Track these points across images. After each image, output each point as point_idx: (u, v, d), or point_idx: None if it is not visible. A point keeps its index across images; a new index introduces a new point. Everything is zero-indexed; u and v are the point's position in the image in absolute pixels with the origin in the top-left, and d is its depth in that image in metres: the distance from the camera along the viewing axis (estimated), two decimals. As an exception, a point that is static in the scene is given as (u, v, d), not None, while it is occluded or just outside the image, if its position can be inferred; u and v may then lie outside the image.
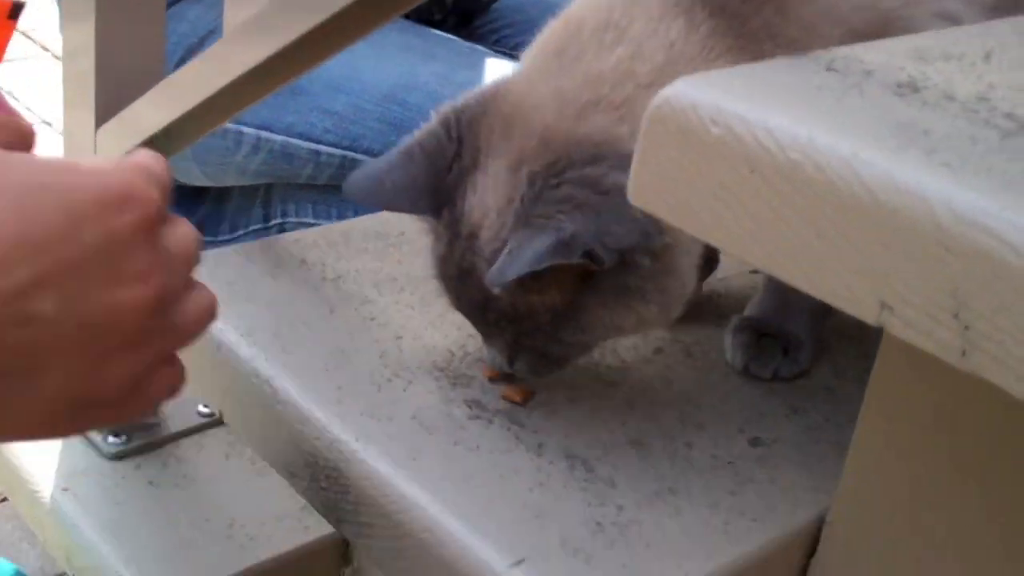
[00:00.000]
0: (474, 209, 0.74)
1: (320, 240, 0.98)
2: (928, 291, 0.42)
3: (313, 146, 1.52)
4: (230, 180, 1.69)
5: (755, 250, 0.47)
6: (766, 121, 0.46)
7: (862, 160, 0.43)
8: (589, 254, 0.67)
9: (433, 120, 0.77)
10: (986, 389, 0.53)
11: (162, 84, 1.04)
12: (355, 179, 0.78)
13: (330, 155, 1.51)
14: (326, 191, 1.60)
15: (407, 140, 0.78)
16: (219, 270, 0.91)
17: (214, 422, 1.28)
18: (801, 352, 0.87)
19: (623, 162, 0.69)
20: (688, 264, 0.74)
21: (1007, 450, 0.61)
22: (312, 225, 1.62)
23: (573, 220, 0.67)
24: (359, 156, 1.49)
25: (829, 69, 0.53)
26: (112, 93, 1.06)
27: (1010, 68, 0.56)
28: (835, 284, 0.45)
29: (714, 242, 0.49)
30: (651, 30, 0.72)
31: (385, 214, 1.06)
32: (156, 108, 1.02)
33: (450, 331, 0.87)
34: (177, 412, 1.28)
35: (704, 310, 0.96)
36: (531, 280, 0.69)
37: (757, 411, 0.83)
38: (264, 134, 1.55)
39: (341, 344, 0.83)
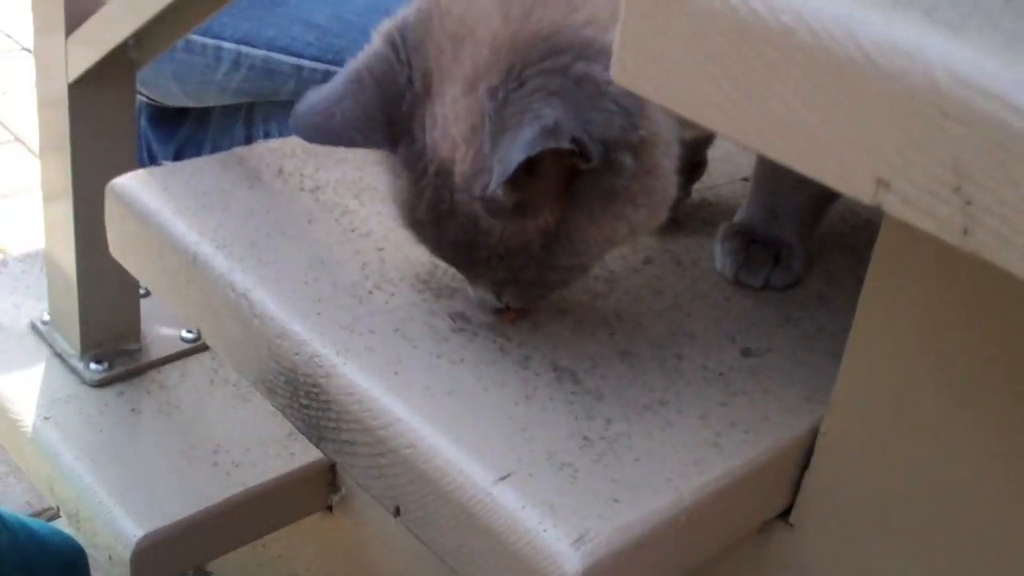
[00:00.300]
0: (438, 144, 0.69)
1: (298, 149, 0.95)
2: (927, 164, 0.39)
3: (295, 60, 1.48)
4: (211, 99, 1.65)
5: (744, 126, 0.44)
6: (755, -16, 0.43)
7: (858, 20, 0.40)
8: (577, 143, 0.63)
9: (376, 41, 0.72)
10: (983, 288, 0.50)
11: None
12: (302, 114, 0.73)
13: (313, 70, 1.47)
14: (311, 109, 1.56)
15: (352, 65, 0.72)
16: (193, 180, 0.88)
17: (198, 347, 1.25)
18: (793, 260, 0.84)
19: (584, 51, 0.65)
20: (668, 164, 0.70)
21: (1004, 354, 0.58)
22: (298, 146, 1.59)
23: (551, 106, 0.64)
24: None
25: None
26: (80, 1, 1.02)
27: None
28: (828, 160, 0.42)
29: (702, 120, 0.46)
30: None
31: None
32: (125, 13, 0.98)
33: (433, 241, 0.84)
34: (160, 338, 1.26)
35: (693, 218, 0.93)
36: (523, 200, 0.66)
37: (749, 321, 0.80)
38: (244, 49, 1.51)
39: (321, 255, 0.80)
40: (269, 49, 1.49)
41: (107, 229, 0.90)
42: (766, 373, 0.74)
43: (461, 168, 0.68)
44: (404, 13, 0.72)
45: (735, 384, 0.73)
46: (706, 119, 0.46)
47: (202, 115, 1.73)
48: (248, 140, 1.67)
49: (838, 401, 0.67)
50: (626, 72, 0.48)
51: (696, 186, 0.94)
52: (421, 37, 0.70)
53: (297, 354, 0.72)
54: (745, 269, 0.83)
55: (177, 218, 0.83)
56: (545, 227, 0.69)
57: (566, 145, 0.62)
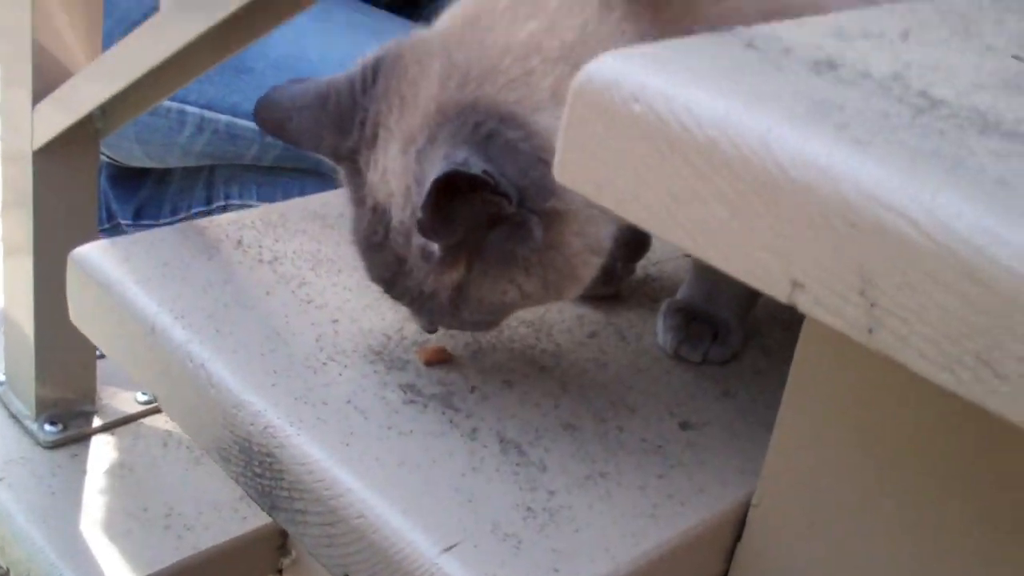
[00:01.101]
0: (377, 187, 0.75)
1: (257, 221, 0.97)
2: (835, 268, 0.42)
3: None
4: (173, 161, 1.67)
5: (675, 229, 0.48)
6: (685, 98, 0.46)
7: (775, 136, 0.44)
8: (489, 175, 0.65)
9: (356, 68, 0.77)
10: (899, 368, 0.53)
11: (99, 59, 1.04)
12: (264, 106, 0.79)
13: (275, 136, 1.50)
14: (272, 172, 1.59)
15: (327, 80, 0.78)
16: (154, 250, 0.90)
17: (152, 410, 1.27)
18: (731, 335, 0.88)
19: (502, 119, 0.69)
20: (580, 246, 0.73)
21: (922, 429, 0.61)
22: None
23: (460, 149, 0.67)
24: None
25: (749, 46, 0.53)
26: (49, 69, 1.05)
27: (926, 46, 0.57)
28: (749, 262, 0.45)
29: (637, 221, 0.49)
30: (567, 8, 0.72)
31: (325, 195, 1.05)
32: (93, 84, 1.01)
33: (386, 314, 0.87)
34: (115, 400, 1.28)
35: (637, 293, 0.96)
36: (441, 250, 0.71)
37: (688, 394, 0.83)
38: (208, 114, 1.54)
39: (277, 327, 0.83)
40: (233, 115, 1.52)
41: (68, 297, 0.92)
42: (703, 445, 0.77)
43: (399, 216, 0.73)
44: (385, 49, 0.77)
45: (673, 456, 0.76)
46: (640, 220, 0.49)
47: (163, 176, 1.75)
48: (208, 202, 1.70)
49: (768, 475, 0.71)
50: (568, 172, 0.51)
51: (640, 262, 0.98)
52: (382, 88, 0.75)
53: (252, 424, 0.75)
54: (686, 344, 0.86)
55: (138, 288, 0.85)
56: (457, 280, 0.73)
57: (476, 172, 0.65)
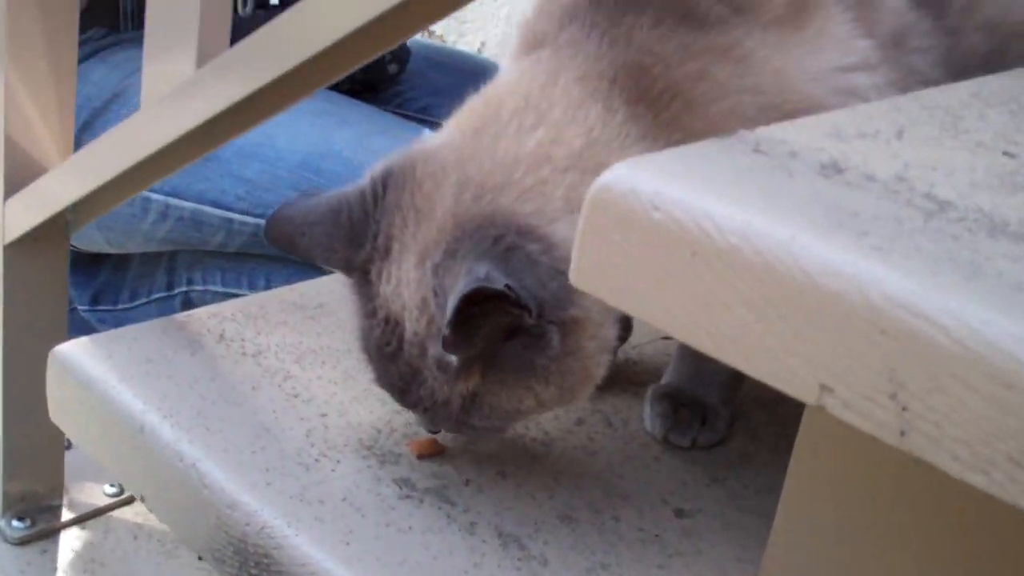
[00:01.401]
0: (390, 299, 0.75)
1: (238, 313, 0.97)
2: (865, 373, 0.43)
3: (225, 213, 1.50)
4: (134, 247, 1.66)
5: (698, 334, 0.48)
6: (705, 206, 0.47)
7: (799, 243, 0.45)
8: (511, 290, 0.66)
9: (367, 181, 0.78)
10: (908, 465, 0.54)
11: (73, 158, 1.03)
12: (276, 221, 0.79)
13: (243, 223, 1.50)
14: (237, 259, 1.58)
15: (340, 193, 0.78)
16: (136, 347, 0.90)
17: (121, 502, 1.25)
18: (718, 420, 0.89)
19: (520, 233, 0.70)
20: (593, 347, 0.74)
21: (928, 522, 0.62)
22: (221, 293, 1.61)
23: (482, 264, 0.68)
24: (272, 224, 1.48)
25: (756, 151, 0.54)
26: (21, 164, 1.05)
27: (921, 145, 0.59)
28: (775, 366, 0.46)
29: (659, 325, 0.50)
30: (570, 116, 0.73)
31: (302, 285, 1.05)
32: (67, 183, 1.00)
33: (375, 406, 0.87)
34: (83, 493, 1.26)
35: (621, 378, 0.97)
36: (459, 361, 0.71)
37: (679, 480, 0.84)
38: (173, 201, 1.53)
39: (266, 422, 0.82)
40: (198, 202, 1.51)
41: (48, 395, 0.91)
42: (699, 534, 0.78)
43: (414, 327, 0.73)
44: (394, 160, 0.78)
45: (671, 546, 0.76)
46: (660, 323, 0.50)
47: (121, 261, 1.73)
48: (170, 287, 1.68)
49: (768, 567, 0.71)
50: (585, 278, 0.52)
51: (622, 346, 0.99)
52: (393, 201, 0.76)
53: (247, 524, 0.74)
54: (674, 430, 0.87)
55: (122, 386, 0.84)
56: (472, 389, 0.73)
57: (499, 287, 0.66)
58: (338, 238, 0.77)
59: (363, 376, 0.90)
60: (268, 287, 1.56)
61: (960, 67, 0.77)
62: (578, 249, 0.52)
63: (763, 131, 0.57)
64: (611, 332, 0.75)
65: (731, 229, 0.46)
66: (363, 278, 0.77)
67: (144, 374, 0.86)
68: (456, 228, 0.72)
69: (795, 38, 0.74)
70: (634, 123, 0.73)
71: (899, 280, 0.42)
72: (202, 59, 0.84)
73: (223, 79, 0.83)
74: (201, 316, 0.96)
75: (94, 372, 0.86)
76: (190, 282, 1.66)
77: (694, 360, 0.90)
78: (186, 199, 1.52)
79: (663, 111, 0.73)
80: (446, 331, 0.67)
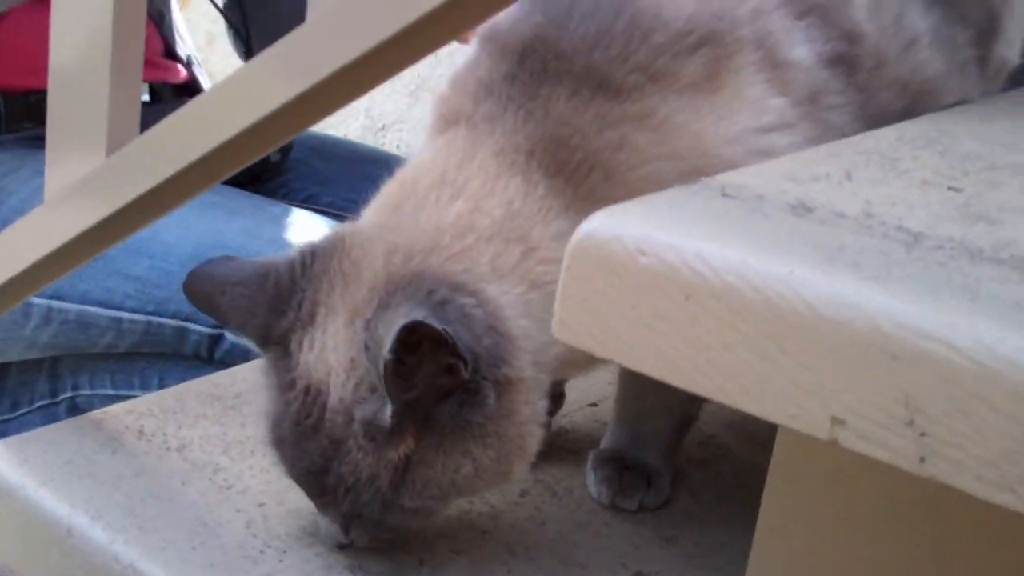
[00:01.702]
0: (312, 366, 0.72)
1: (154, 408, 0.93)
2: (880, 401, 0.43)
3: (114, 313, 1.44)
4: (14, 355, 1.59)
5: (695, 377, 0.48)
6: (696, 247, 0.47)
7: (798, 278, 0.45)
8: (450, 339, 0.65)
9: (295, 252, 0.76)
10: (876, 501, 0.54)
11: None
12: (198, 277, 0.77)
13: (132, 321, 1.44)
14: (126, 359, 1.52)
15: (264, 261, 0.76)
16: (52, 449, 0.85)
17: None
18: (662, 481, 0.88)
19: (453, 287, 0.69)
20: (528, 415, 0.72)
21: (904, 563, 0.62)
22: (112, 396, 1.54)
23: (419, 310, 0.66)
24: (166, 320, 1.43)
25: (724, 195, 0.54)
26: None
27: (873, 184, 0.60)
28: (782, 403, 0.46)
29: (650, 372, 0.49)
30: (489, 188, 0.73)
31: (216, 376, 1.02)
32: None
33: (312, 492, 0.83)
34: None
35: (556, 447, 0.95)
36: (392, 418, 0.68)
37: (632, 544, 0.83)
38: (56, 304, 1.46)
39: (202, 516, 0.79)
40: (83, 303, 1.45)
41: (-43, 507, 0.85)
42: (662, 596, 0.77)
43: (340, 393, 0.71)
44: (321, 237, 0.77)
45: (636, 610, 0.75)
46: (652, 370, 0.49)
47: (-2, 370, 1.66)
48: (54, 394, 1.61)
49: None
50: (568, 329, 0.51)
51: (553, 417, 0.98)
52: (320, 270, 0.74)
53: (198, 625, 0.70)
54: (621, 494, 0.86)
55: (44, 490, 0.80)
56: (401, 460, 0.70)
57: (438, 328, 0.64)
58: (261, 303, 0.74)
59: (296, 463, 0.87)
60: (162, 386, 1.50)
61: (875, 122, 0.79)
62: (561, 300, 0.51)
63: (724, 177, 0.57)
64: (542, 402, 0.74)
65: (726, 269, 0.46)
66: (281, 351, 0.74)
67: (66, 476, 0.81)
68: (389, 284, 0.70)
69: (710, 102, 0.75)
70: (555, 196, 0.73)
71: (906, 305, 0.43)
72: (112, 147, 0.81)
73: (135, 167, 0.80)
74: (117, 413, 0.92)
75: (11, 477, 0.81)
76: (75, 387, 1.59)
77: (634, 424, 0.90)
78: (70, 301, 1.46)
79: (582, 182, 0.73)
80: (387, 361, 0.64)
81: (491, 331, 0.68)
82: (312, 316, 0.73)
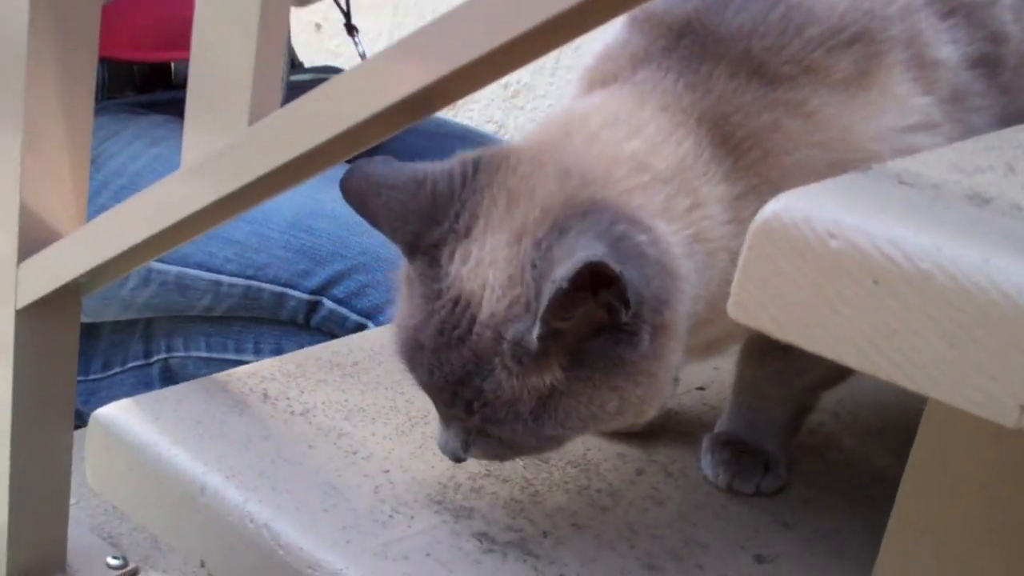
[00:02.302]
0: (466, 278, 0.71)
1: (276, 372, 0.95)
2: (1074, 391, 0.43)
3: (213, 276, 1.46)
4: (110, 315, 1.62)
5: (879, 362, 0.48)
6: (888, 232, 0.47)
7: (994, 266, 0.45)
8: (624, 283, 0.64)
9: (453, 162, 0.75)
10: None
11: (87, 227, 1.00)
12: (358, 173, 0.76)
13: (232, 285, 1.46)
14: (222, 323, 1.54)
15: (424, 166, 0.75)
16: (182, 408, 0.87)
17: (127, 573, 1.20)
18: (779, 467, 0.89)
19: (631, 222, 0.69)
20: (673, 360, 0.72)
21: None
22: (205, 359, 1.57)
23: (599, 244, 0.66)
24: (264, 285, 1.45)
25: (901, 183, 0.54)
26: (35, 230, 1.01)
27: (1037, 180, 0.60)
28: (970, 390, 0.46)
29: (832, 355, 0.49)
30: (663, 136, 0.74)
31: (333, 344, 1.03)
32: (80, 250, 0.97)
33: (434, 462, 0.85)
34: (84, 565, 1.21)
35: (666, 428, 0.96)
36: (548, 349, 0.68)
37: (751, 527, 0.83)
38: (156, 265, 1.49)
39: (331, 480, 0.80)
40: (184, 265, 1.47)
41: (88, 460, 0.87)
42: (783, 579, 0.77)
43: (492, 308, 0.69)
44: (482, 150, 0.76)
45: (759, 591, 0.75)
46: (834, 353, 0.49)
47: (91, 329, 1.68)
48: (147, 356, 1.64)
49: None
50: (747, 310, 0.52)
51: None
52: (484, 183, 0.73)
53: (333, 584, 0.71)
54: (739, 478, 0.86)
55: (177, 448, 0.81)
56: (547, 388, 0.70)
57: (616, 270, 0.63)
58: (415, 210, 0.73)
59: (417, 432, 0.88)
60: (256, 351, 1.52)
61: (1015, 124, 0.79)
62: (740, 280, 0.52)
63: (897, 165, 0.57)
64: (680, 353, 0.74)
65: (919, 255, 0.46)
66: (429, 260, 0.73)
67: (197, 435, 0.83)
68: (566, 208, 0.70)
69: (860, 98, 0.76)
70: (718, 163, 0.73)
71: (1107, 296, 0.43)
72: (254, 117, 0.83)
73: (276, 139, 0.81)
74: (240, 375, 0.93)
75: (144, 435, 0.83)
76: (169, 349, 1.62)
77: (752, 409, 0.90)
78: (170, 263, 1.48)
79: (742, 157, 0.74)
80: (558, 288, 0.63)
81: (662, 272, 0.68)
82: (469, 229, 0.72)
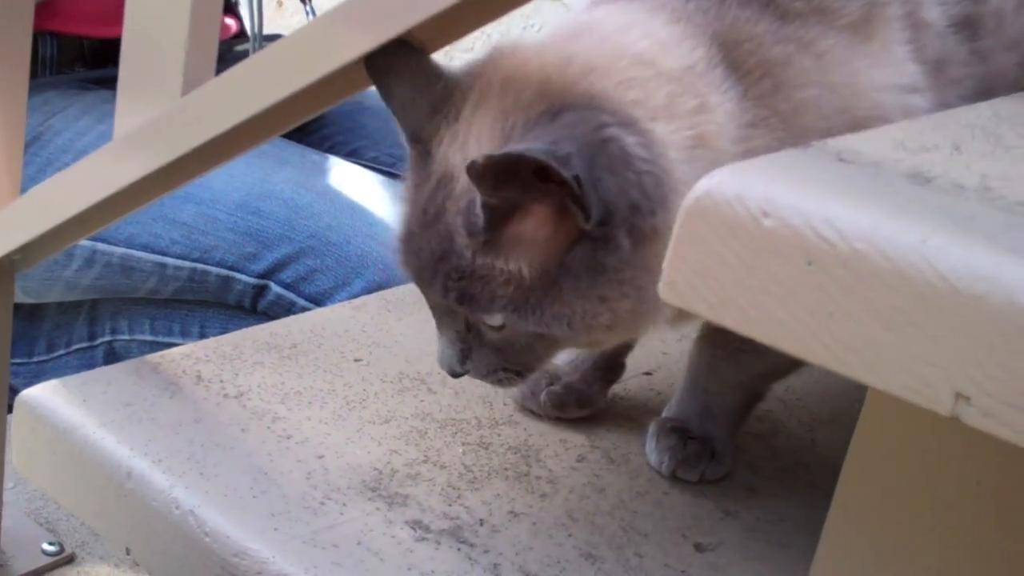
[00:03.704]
0: (449, 157, 0.70)
1: (211, 354, 0.92)
2: (1010, 379, 0.42)
3: (159, 258, 1.43)
4: (53, 296, 1.58)
5: (812, 345, 0.46)
6: (823, 211, 0.45)
7: (932, 247, 0.43)
8: (579, 183, 0.62)
9: (467, 64, 0.74)
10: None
11: (20, 201, 0.97)
12: (391, 51, 0.73)
13: (177, 267, 1.43)
14: (168, 305, 1.51)
15: (447, 67, 0.74)
16: (111, 390, 0.84)
17: (62, 560, 1.18)
18: (726, 454, 0.87)
19: (624, 122, 0.67)
20: None
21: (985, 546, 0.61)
22: (150, 342, 1.54)
23: (568, 146, 0.64)
24: (211, 268, 1.42)
25: (840, 160, 0.53)
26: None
27: (983, 158, 0.58)
28: (904, 376, 0.44)
29: (764, 339, 0.48)
30: (676, 42, 0.72)
31: (272, 325, 1.01)
32: (13, 226, 0.94)
33: (371, 447, 0.82)
34: (19, 552, 1.18)
35: (610, 413, 0.95)
36: (500, 234, 0.66)
37: (692, 515, 0.81)
38: (101, 246, 1.46)
39: (262, 465, 0.78)
40: (129, 246, 1.44)
41: (12, 443, 0.84)
42: (724, 568, 0.75)
43: (468, 184, 0.67)
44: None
45: (698, 581, 0.74)
46: (769, 338, 0.48)
47: (34, 310, 1.65)
48: (92, 337, 1.61)
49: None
50: (677, 291, 0.50)
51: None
52: (482, 69, 0.72)
53: (259, 573, 0.69)
54: (683, 465, 0.85)
55: (104, 431, 0.79)
56: (516, 278, 0.68)
57: (566, 173, 0.61)
58: (423, 99, 0.72)
59: (353, 416, 0.86)
60: (202, 335, 1.50)
61: (986, 96, 0.78)
62: (671, 260, 0.50)
63: (837, 142, 0.56)
64: None
65: (855, 235, 0.45)
66: (423, 150, 0.71)
67: (125, 418, 0.81)
68: (563, 93, 0.68)
69: (864, 47, 0.75)
70: (730, 83, 0.72)
71: (1047, 281, 0.41)
72: (188, 87, 0.80)
73: (210, 109, 0.79)
74: (173, 357, 0.91)
75: (70, 417, 0.80)
76: (114, 332, 1.59)
77: (706, 393, 0.88)
78: (115, 244, 1.45)
79: (754, 85, 0.72)
80: (482, 166, 0.62)
81: (652, 174, 0.66)
82: (459, 112, 0.71)
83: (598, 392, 0.93)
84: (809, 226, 0.46)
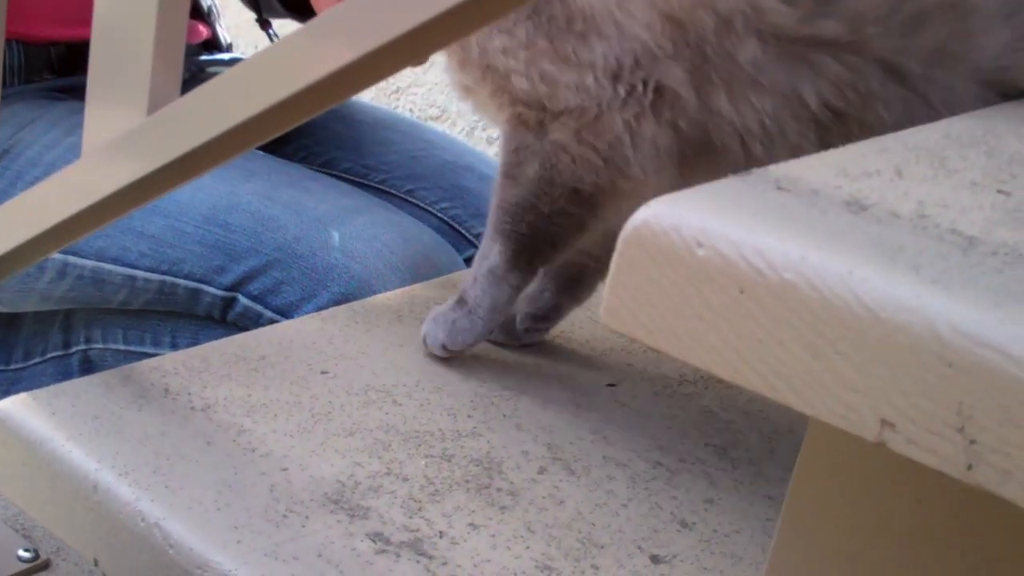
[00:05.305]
0: None
1: (180, 366, 0.93)
2: (932, 407, 0.43)
3: (127, 271, 1.44)
4: (28, 307, 1.59)
5: (744, 372, 0.48)
6: (754, 241, 0.47)
7: (858, 278, 0.45)
8: None
9: None
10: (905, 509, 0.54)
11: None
12: None
13: (147, 280, 1.44)
14: (139, 316, 1.52)
15: None
16: (80, 403, 0.85)
17: (37, 567, 1.18)
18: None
19: None
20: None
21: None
22: (123, 352, 1.54)
23: None
24: (179, 280, 1.43)
25: (779, 188, 0.54)
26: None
27: (923, 183, 0.60)
28: (832, 403, 0.46)
29: (699, 363, 0.49)
30: None
31: (240, 337, 1.02)
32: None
33: (335, 460, 0.84)
34: (-7, 559, 1.19)
35: (573, 425, 0.96)
36: None
37: (649, 527, 0.83)
38: (72, 259, 1.46)
39: (226, 479, 0.79)
40: (99, 259, 1.45)
41: (-17, 457, 0.85)
42: (679, 580, 0.77)
43: None
44: None
45: (652, 593, 0.75)
46: (702, 362, 0.49)
47: (11, 319, 1.66)
48: (67, 346, 1.61)
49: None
50: (617, 316, 0.51)
51: (568, 396, 0.98)
52: None
53: (221, 586, 0.70)
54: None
55: (71, 444, 0.80)
56: None
57: None
58: None
59: (319, 428, 0.87)
60: (173, 344, 1.50)
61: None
62: (611, 286, 0.51)
63: (778, 169, 0.57)
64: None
65: (784, 265, 0.46)
66: None
67: (93, 431, 0.82)
68: None
69: None
70: None
71: (966, 312, 0.43)
72: (153, 106, 0.81)
73: (176, 127, 0.80)
74: (143, 370, 0.92)
75: (39, 430, 0.81)
76: (88, 340, 1.60)
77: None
78: (85, 257, 1.46)
79: None
80: None
81: None
82: None
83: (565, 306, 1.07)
84: (741, 256, 0.47)
